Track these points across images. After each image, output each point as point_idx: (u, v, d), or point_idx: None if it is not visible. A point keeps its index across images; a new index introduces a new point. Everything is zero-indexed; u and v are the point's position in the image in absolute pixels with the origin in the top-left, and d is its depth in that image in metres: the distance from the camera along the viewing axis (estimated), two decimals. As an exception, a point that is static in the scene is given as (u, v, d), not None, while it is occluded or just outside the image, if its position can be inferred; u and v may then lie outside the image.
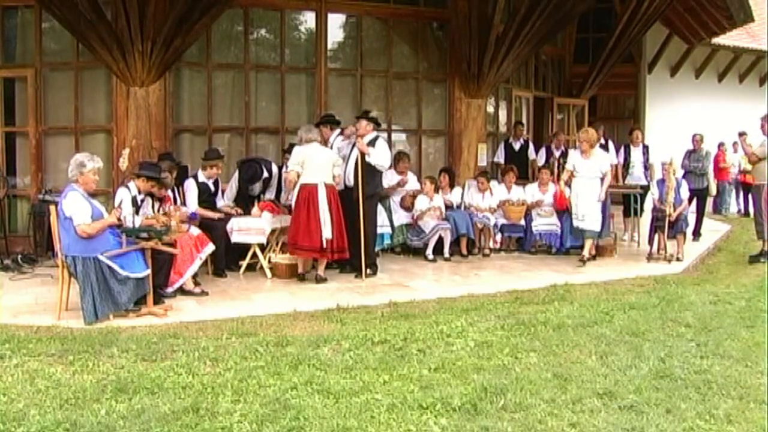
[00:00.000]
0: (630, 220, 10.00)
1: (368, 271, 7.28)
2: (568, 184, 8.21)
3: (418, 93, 10.05)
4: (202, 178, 7.37)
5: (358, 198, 7.13)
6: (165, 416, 3.51)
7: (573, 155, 8.34)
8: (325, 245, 6.79)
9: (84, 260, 5.34)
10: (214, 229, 7.06)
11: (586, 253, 8.06)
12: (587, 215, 7.99)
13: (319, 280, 6.97)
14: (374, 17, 9.75)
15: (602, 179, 8.05)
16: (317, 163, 6.90)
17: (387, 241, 8.58)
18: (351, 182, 7.27)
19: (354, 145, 7.30)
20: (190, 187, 7.26)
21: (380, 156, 7.23)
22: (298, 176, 6.95)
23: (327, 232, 6.75)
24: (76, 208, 5.33)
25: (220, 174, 7.54)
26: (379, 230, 8.16)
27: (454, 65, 9.92)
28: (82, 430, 3.37)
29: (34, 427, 3.38)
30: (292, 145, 8.06)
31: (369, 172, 7.22)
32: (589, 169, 8.04)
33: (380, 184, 7.60)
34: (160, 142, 8.15)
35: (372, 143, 7.21)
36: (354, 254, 7.26)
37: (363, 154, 7.14)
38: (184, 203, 7.15)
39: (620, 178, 10.12)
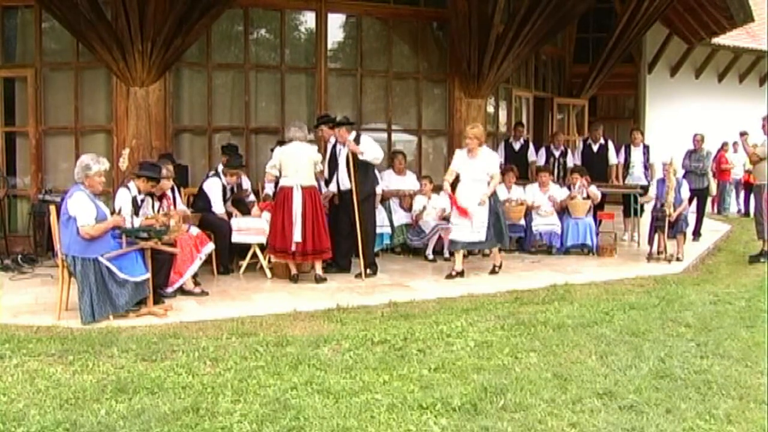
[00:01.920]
0: (630, 220, 10.00)
1: (368, 271, 7.28)
2: (453, 186, 7.26)
3: (418, 93, 10.04)
4: (223, 180, 7.43)
5: (362, 198, 7.17)
6: (165, 416, 3.51)
7: (458, 155, 7.42)
8: (294, 248, 6.80)
9: (83, 261, 5.34)
10: (219, 227, 7.13)
11: (457, 266, 7.29)
12: (476, 225, 7.16)
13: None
14: (374, 17, 9.75)
15: (489, 183, 7.19)
16: (295, 163, 6.90)
17: (387, 241, 8.59)
18: (346, 186, 7.26)
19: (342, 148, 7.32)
20: (214, 187, 7.33)
21: (371, 150, 7.23)
22: (276, 178, 7.03)
23: (297, 236, 6.76)
24: (80, 209, 5.32)
25: (239, 182, 7.66)
26: (379, 230, 8.17)
27: (454, 65, 9.92)
28: (82, 430, 3.38)
29: (34, 427, 3.38)
30: (280, 144, 8.12)
31: (362, 173, 7.22)
32: (475, 170, 7.18)
33: (375, 182, 7.55)
34: (160, 142, 8.14)
35: (356, 142, 7.22)
36: (346, 255, 7.28)
37: (354, 156, 7.14)
38: (189, 204, 7.17)
39: (620, 178, 10.14)
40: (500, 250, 7.63)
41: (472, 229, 7.15)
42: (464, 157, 7.29)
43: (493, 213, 7.21)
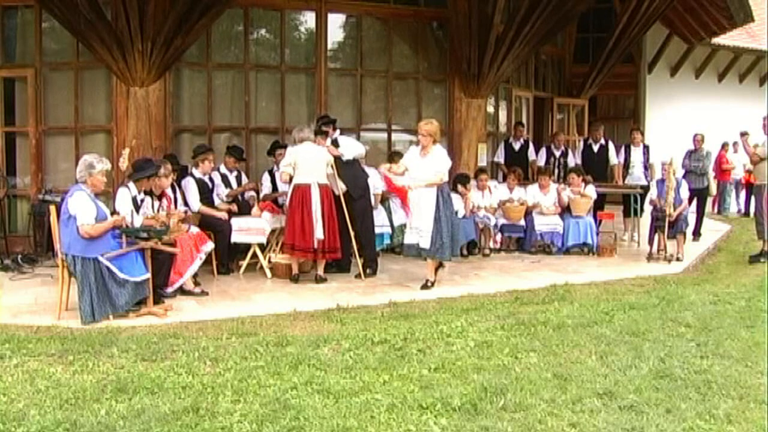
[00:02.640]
0: (630, 220, 10.00)
1: (368, 270, 7.28)
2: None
3: (418, 93, 10.05)
4: (198, 174, 7.39)
5: (356, 197, 7.20)
6: (165, 416, 3.51)
7: (411, 151, 6.97)
8: (317, 246, 6.80)
9: (83, 260, 5.34)
10: (220, 226, 7.14)
11: (430, 276, 6.77)
12: (423, 229, 6.61)
13: (319, 280, 6.97)
14: (374, 17, 9.75)
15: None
16: (310, 163, 6.90)
17: (387, 241, 8.58)
18: (341, 188, 7.26)
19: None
20: (189, 186, 7.28)
21: (350, 149, 7.25)
22: (291, 177, 6.97)
23: (319, 233, 6.76)
24: (80, 208, 5.34)
25: (213, 168, 7.56)
26: (379, 230, 8.17)
27: (454, 65, 9.92)
28: (82, 430, 3.37)
29: (34, 427, 3.38)
30: (274, 146, 8.12)
31: (350, 173, 7.23)
32: (425, 169, 6.61)
33: (366, 179, 7.51)
34: (160, 142, 8.16)
35: (335, 144, 7.27)
36: (344, 255, 7.30)
37: (337, 158, 7.17)
38: (185, 203, 7.17)
39: (620, 178, 10.14)
40: (441, 265, 6.98)
41: (419, 231, 6.62)
42: (416, 154, 6.78)
43: (445, 223, 6.59)
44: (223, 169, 7.78)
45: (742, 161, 13.87)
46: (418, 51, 10.04)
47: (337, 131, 7.67)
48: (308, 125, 7.32)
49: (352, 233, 7.18)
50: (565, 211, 8.95)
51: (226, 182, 7.74)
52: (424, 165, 6.66)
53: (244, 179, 8.09)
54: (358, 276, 7.24)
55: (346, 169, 7.22)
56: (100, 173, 5.49)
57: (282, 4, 9.08)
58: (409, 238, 6.82)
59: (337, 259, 7.18)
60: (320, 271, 7.04)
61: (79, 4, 7.43)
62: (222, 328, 5.24)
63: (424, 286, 6.75)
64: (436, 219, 6.57)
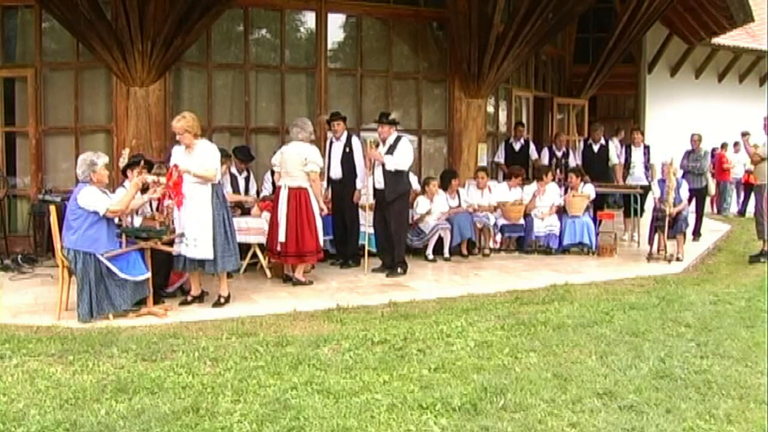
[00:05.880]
0: (630, 220, 10.01)
1: (399, 270, 7.40)
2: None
3: (418, 93, 10.04)
4: None
5: (389, 200, 7.32)
6: (165, 416, 3.51)
7: (176, 150, 6.01)
8: (279, 248, 6.79)
9: (85, 256, 5.33)
10: None
11: (223, 291, 6.02)
12: (198, 237, 5.78)
13: (296, 283, 6.90)
14: (374, 17, 9.74)
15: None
16: (287, 164, 6.89)
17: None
18: (381, 185, 7.35)
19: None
20: None
21: (396, 160, 7.29)
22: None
23: (281, 235, 6.74)
24: (96, 199, 5.38)
25: (227, 172, 7.62)
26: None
27: (454, 65, 9.92)
28: (82, 430, 3.37)
29: (34, 427, 3.38)
30: None
31: (389, 176, 7.31)
32: (194, 168, 5.77)
33: (406, 184, 7.60)
34: (160, 142, 8.15)
35: (393, 146, 7.35)
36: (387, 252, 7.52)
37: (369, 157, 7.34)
38: None
39: (620, 178, 10.14)
40: (230, 276, 6.56)
41: (195, 240, 5.78)
42: (182, 153, 5.92)
43: (219, 227, 5.85)
44: (233, 169, 7.79)
45: (743, 161, 13.88)
46: (418, 51, 10.03)
47: (394, 133, 7.48)
48: (298, 124, 7.07)
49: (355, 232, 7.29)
50: (562, 210, 8.95)
51: (235, 184, 7.73)
52: (191, 163, 5.81)
53: (253, 182, 8.05)
54: (352, 264, 7.56)
55: (389, 171, 7.32)
56: (103, 167, 5.54)
57: (282, 4, 9.07)
58: (185, 250, 5.82)
59: (306, 263, 7.03)
60: (299, 276, 6.94)
61: (79, 4, 7.43)
62: (222, 328, 5.24)
63: (217, 303, 5.99)
64: (214, 224, 5.83)
